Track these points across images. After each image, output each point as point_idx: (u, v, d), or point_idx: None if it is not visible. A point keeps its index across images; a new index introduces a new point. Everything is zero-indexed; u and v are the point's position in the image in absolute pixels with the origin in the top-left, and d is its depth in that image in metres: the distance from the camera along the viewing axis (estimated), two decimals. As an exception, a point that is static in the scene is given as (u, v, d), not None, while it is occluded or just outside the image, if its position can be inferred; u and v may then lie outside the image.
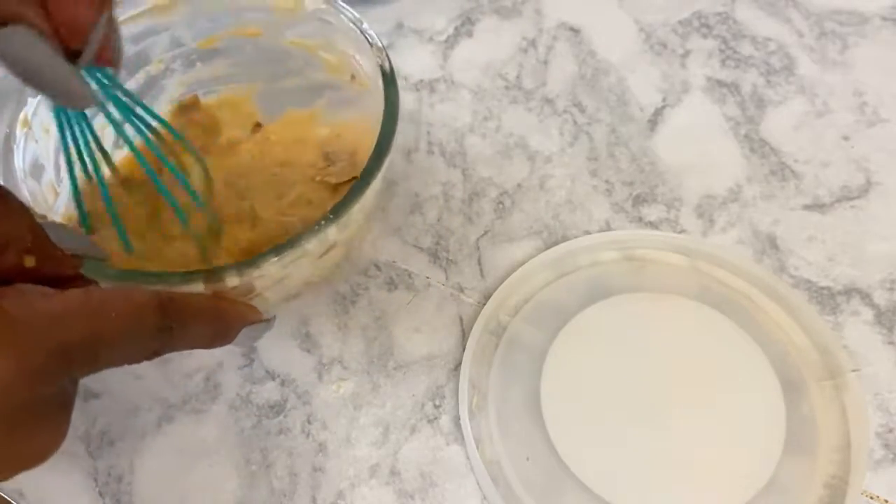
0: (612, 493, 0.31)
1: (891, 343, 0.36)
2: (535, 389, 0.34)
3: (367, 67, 0.35)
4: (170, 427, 0.35)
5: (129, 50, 0.36)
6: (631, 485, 0.31)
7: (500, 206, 0.42)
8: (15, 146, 0.31)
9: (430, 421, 0.34)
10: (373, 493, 0.32)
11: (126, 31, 0.35)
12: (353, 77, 0.37)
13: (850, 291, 0.37)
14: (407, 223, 0.41)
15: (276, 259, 0.27)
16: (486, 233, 0.40)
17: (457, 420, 0.34)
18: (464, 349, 0.36)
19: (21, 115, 0.32)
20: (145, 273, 0.28)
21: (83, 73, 0.26)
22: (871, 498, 0.31)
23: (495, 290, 0.37)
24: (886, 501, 0.31)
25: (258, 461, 0.34)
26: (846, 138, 0.43)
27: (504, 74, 0.48)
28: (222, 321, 0.26)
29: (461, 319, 0.37)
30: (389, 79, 0.33)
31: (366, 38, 0.34)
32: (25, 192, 0.30)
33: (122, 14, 0.35)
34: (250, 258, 0.27)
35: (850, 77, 0.46)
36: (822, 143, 0.43)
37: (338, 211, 0.29)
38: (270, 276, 0.29)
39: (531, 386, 0.34)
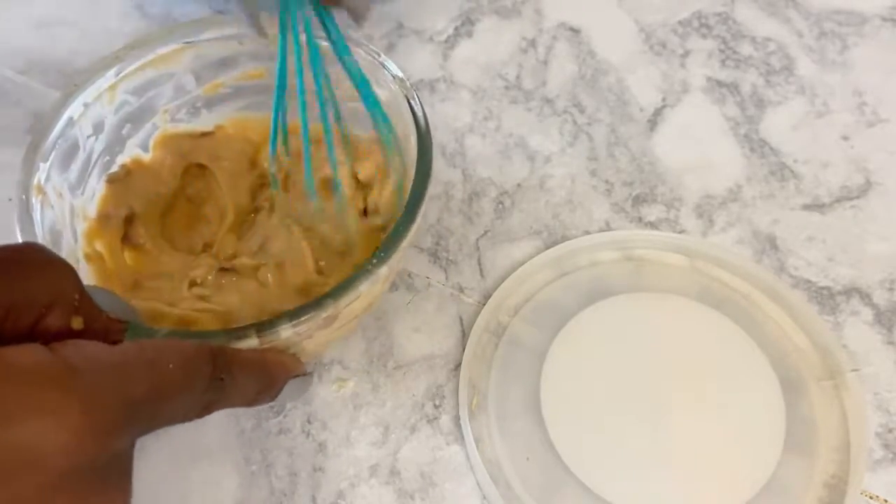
0: (611, 493, 0.31)
1: (891, 343, 0.36)
2: (535, 389, 0.34)
3: (387, 99, 0.34)
4: (170, 427, 0.35)
5: (133, 102, 0.35)
6: (631, 484, 0.31)
7: (500, 206, 0.42)
8: (33, 212, 0.30)
9: (430, 421, 0.34)
10: (373, 493, 0.32)
11: (130, 84, 0.34)
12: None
13: (849, 291, 0.37)
14: (407, 223, 0.41)
15: (332, 305, 0.26)
16: (486, 233, 0.40)
17: (457, 420, 0.34)
18: (464, 349, 0.36)
19: (34, 182, 0.30)
20: (195, 332, 0.27)
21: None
22: (871, 498, 0.31)
23: (495, 290, 0.37)
24: (886, 501, 0.31)
25: (258, 461, 0.34)
26: (846, 138, 0.43)
27: (504, 74, 0.48)
28: (269, 373, 0.25)
29: (461, 319, 0.37)
30: (418, 112, 0.32)
31: (386, 69, 0.33)
32: None
33: (127, 66, 0.34)
34: (300, 307, 0.26)
35: (850, 77, 0.46)
36: (821, 143, 0.43)
37: (387, 250, 0.27)
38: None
39: (531, 386, 0.34)
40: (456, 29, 0.50)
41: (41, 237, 0.29)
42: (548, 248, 0.39)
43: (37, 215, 0.30)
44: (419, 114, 0.32)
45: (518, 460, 0.32)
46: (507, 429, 0.33)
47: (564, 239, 0.40)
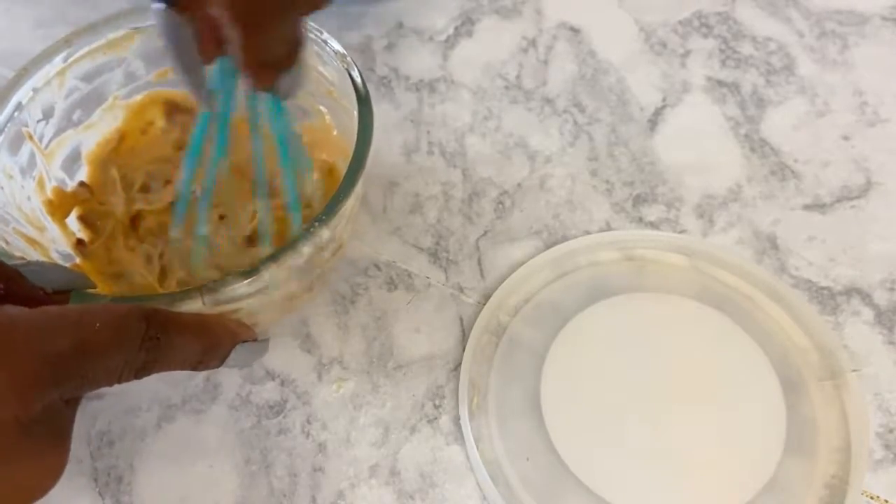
0: (612, 493, 0.31)
1: (891, 343, 0.36)
2: (535, 389, 0.34)
3: (335, 79, 0.34)
4: (170, 427, 0.35)
5: (83, 88, 0.35)
6: (631, 485, 0.31)
7: (500, 206, 0.42)
8: None
9: (430, 421, 0.34)
10: (373, 493, 0.32)
11: (79, 69, 0.35)
12: (329, 94, 0.37)
13: (850, 291, 0.37)
14: (407, 223, 0.41)
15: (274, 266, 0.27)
16: (486, 233, 0.40)
17: (457, 420, 0.34)
18: (464, 349, 0.36)
19: None
20: (136, 297, 0.27)
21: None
22: (872, 498, 0.31)
23: (495, 290, 0.37)
24: (887, 501, 0.31)
25: (258, 461, 0.34)
26: (846, 138, 0.43)
27: (504, 74, 0.48)
28: (211, 335, 0.25)
29: (461, 319, 0.37)
30: (358, 83, 0.32)
31: (328, 46, 0.34)
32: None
33: (76, 51, 0.34)
34: (242, 271, 0.27)
35: (851, 77, 0.46)
36: (822, 143, 0.43)
37: (324, 219, 0.28)
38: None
39: (531, 386, 0.34)
40: (456, 29, 0.50)
41: None
42: (548, 248, 0.39)
43: None
44: (358, 81, 0.32)
45: (518, 460, 0.32)
46: (507, 429, 0.33)
47: (564, 239, 0.40)
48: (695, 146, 0.44)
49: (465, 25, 0.51)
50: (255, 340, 0.27)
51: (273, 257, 0.27)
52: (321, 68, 0.35)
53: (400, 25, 0.51)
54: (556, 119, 0.45)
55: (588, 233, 0.40)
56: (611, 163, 0.43)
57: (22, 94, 0.33)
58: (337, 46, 0.34)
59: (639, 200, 0.41)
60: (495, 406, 0.34)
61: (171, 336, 0.23)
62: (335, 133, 0.37)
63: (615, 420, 0.33)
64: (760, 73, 0.47)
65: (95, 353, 0.20)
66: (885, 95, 0.45)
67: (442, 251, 0.40)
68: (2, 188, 0.32)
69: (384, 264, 0.39)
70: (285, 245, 0.27)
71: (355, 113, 0.31)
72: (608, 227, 0.40)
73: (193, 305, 0.26)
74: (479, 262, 0.39)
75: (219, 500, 0.33)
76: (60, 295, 0.24)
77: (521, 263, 0.38)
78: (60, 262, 0.33)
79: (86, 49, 0.34)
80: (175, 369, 0.23)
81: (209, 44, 0.28)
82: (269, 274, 0.27)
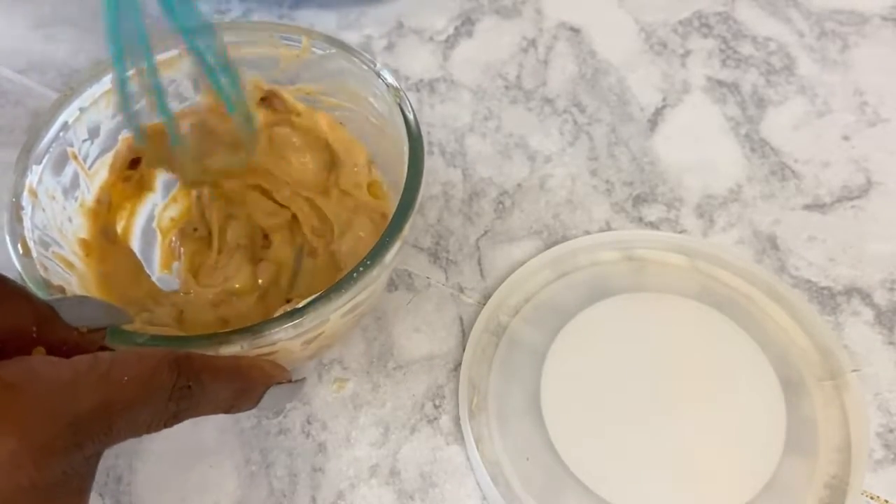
0: (611, 493, 0.31)
1: (891, 343, 0.36)
2: (535, 389, 0.34)
3: (382, 109, 0.33)
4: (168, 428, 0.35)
5: (130, 108, 0.34)
6: (631, 485, 0.31)
7: (500, 206, 0.42)
8: (24, 214, 0.29)
9: (430, 421, 0.34)
10: (373, 493, 0.32)
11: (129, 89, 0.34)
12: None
13: (850, 291, 0.37)
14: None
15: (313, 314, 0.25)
16: (486, 233, 0.40)
17: (457, 420, 0.34)
18: (464, 349, 0.36)
19: (26, 184, 0.30)
20: (175, 338, 0.26)
21: None
22: (872, 498, 0.31)
23: (495, 290, 0.37)
24: (887, 502, 0.31)
25: (258, 461, 0.34)
26: (846, 138, 0.43)
27: (504, 74, 0.48)
28: (245, 380, 0.24)
29: (461, 319, 0.37)
30: (411, 120, 0.31)
31: (381, 79, 0.32)
32: (37, 264, 0.29)
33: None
34: (285, 313, 0.25)
35: (851, 77, 0.46)
36: (822, 143, 0.43)
37: (371, 262, 0.27)
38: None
39: (531, 386, 0.34)
40: (456, 29, 0.50)
41: (31, 239, 0.29)
42: (548, 248, 0.39)
43: (27, 217, 0.30)
44: (410, 118, 0.31)
45: (518, 460, 0.32)
46: (507, 429, 0.33)
47: (565, 239, 0.40)
48: (695, 146, 0.44)
49: (465, 25, 0.51)
50: (289, 381, 0.26)
51: (319, 300, 0.26)
52: (371, 99, 0.34)
53: (400, 25, 0.51)
54: (556, 119, 0.45)
55: (588, 233, 0.40)
56: (611, 163, 0.43)
57: (68, 114, 0.32)
58: (391, 80, 0.32)
59: (639, 200, 0.41)
60: (495, 406, 0.34)
61: (204, 383, 0.22)
62: (378, 173, 0.37)
63: (615, 420, 0.33)
64: (760, 73, 0.47)
65: (123, 409, 0.19)
66: (885, 95, 0.45)
67: (442, 251, 0.40)
68: (43, 210, 0.31)
69: (384, 264, 0.39)
70: (331, 288, 0.26)
71: (405, 149, 0.30)
72: (608, 227, 0.40)
73: (232, 349, 0.25)
74: (479, 262, 0.39)
75: (219, 501, 0.33)
76: (96, 333, 0.23)
77: (521, 263, 0.38)
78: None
79: (135, 69, 0.33)
80: (206, 414, 0.23)
81: None
82: (312, 317, 0.26)
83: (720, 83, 0.46)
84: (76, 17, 0.51)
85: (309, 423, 0.34)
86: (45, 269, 0.29)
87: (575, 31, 0.50)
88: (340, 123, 0.37)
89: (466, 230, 0.40)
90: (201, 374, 0.22)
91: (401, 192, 0.29)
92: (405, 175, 0.29)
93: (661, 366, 0.34)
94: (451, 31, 0.50)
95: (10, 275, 0.22)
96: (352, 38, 0.50)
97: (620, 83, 0.47)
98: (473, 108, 0.46)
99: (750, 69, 0.47)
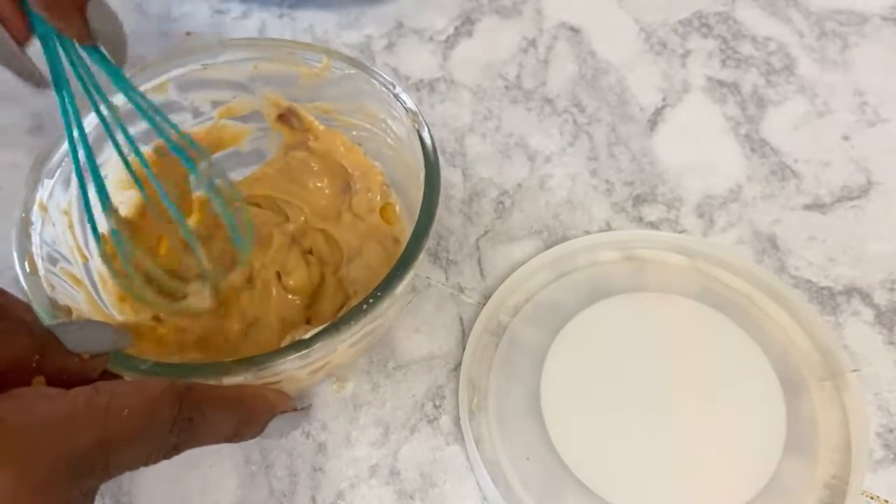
0: (611, 493, 0.31)
1: (891, 343, 0.36)
2: (535, 389, 0.34)
3: (399, 132, 0.33)
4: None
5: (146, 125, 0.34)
6: (631, 485, 0.31)
7: (500, 206, 0.42)
8: (33, 230, 0.29)
9: (430, 421, 0.34)
10: (373, 493, 0.32)
11: (144, 105, 0.33)
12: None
13: (850, 291, 0.37)
14: (407, 223, 0.41)
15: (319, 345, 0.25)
16: (486, 233, 0.40)
17: (457, 420, 0.34)
18: (464, 349, 0.36)
19: (37, 198, 0.30)
20: (178, 365, 0.25)
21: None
22: (872, 498, 0.31)
23: (495, 290, 0.37)
24: (887, 502, 0.31)
25: (258, 461, 0.34)
26: (846, 138, 0.43)
27: (504, 74, 0.48)
28: (248, 409, 0.24)
29: (461, 319, 0.37)
30: (428, 146, 0.30)
31: (399, 102, 0.32)
32: (44, 282, 0.28)
33: (144, 84, 0.33)
34: (292, 344, 0.25)
35: (850, 77, 0.46)
36: (822, 143, 0.43)
37: (385, 288, 0.26)
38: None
39: (531, 386, 0.34)
40: (456, 28, 0.50)
41: (38, 255, 0.29)
42: (548, 248, 0.39)
43: (36, 233, 0.29)
44: (428, 143, 0.30)
45: (518, 460, 0.32)
46: (507, 429, 0.33)
47: (564, 239, 0.40)
48: (695, 146, 0.44)
49: (465, 25, 0.51)
50: (294, 410, 0.26)
51: (326, 331, 0.25)
52: (389, 121, 0.33)
53: (400, 25, 0.51)
54: (556, 119, 0.45)
55: (588, 233, 0.40)
56: (611, 163, 0.43)
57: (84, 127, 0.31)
58: (410, 104, 0.32)
59: (639, 200, 0.41)
60: (495, 406, 0.34)
61: (206, 415, 0.21)
62: (393, 195, 0.36)
63: (615, 420, 0.33)
64: (760, 73, 0.47)
65: (121, 444, 0.19)
66: (885, 95, 0.45)
67: (442, 251, 0.40)
68: (54, 224, 0.30)
69: (384, 264, 0.39)
70: (339, 319, 0.26)
71: (421, 176, 0.30)
72: (608, 227, 0.40)
73: (236, 379, 0.25)
74: (479, 262, 0.39)
75: (219, 501, 0.33)
76: (98, 358, 0.22)
77: (521, 263, 0.38)
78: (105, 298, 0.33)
79: (152, 84, 0.34)
80: (207, 444, 0.22)
81: (13, 19, 0.26)
82: (319, 349, 0.25)
83: (720, 83, 0.46)
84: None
85: (309, 423, 0.34)
86: (52, 287, 0.28)
87: (575, 31, 0.50)
88: (358, 144, 0.36)
89: (466, 230, 0.40)
90: (203, 406, 0.21)
91: (414, 216, 0.28)
92: (420, 200, 0.29)
93: (661, 366, 0.34)
94: (451, 31, 0.50)
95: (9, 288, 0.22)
96: (352, 37, 0.50)
97: (620, 83, 0.47)
98: (473, 108, 0.46)
99: (750, 69, 0.47)
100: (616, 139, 0.44)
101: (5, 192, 0.40)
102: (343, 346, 0.27)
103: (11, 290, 0.23)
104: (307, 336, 0.25)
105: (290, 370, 0.26)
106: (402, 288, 0.27)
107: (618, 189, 0.42)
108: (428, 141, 0.31)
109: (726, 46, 0.48)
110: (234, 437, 0.24)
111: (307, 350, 0.25)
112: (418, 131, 0.31)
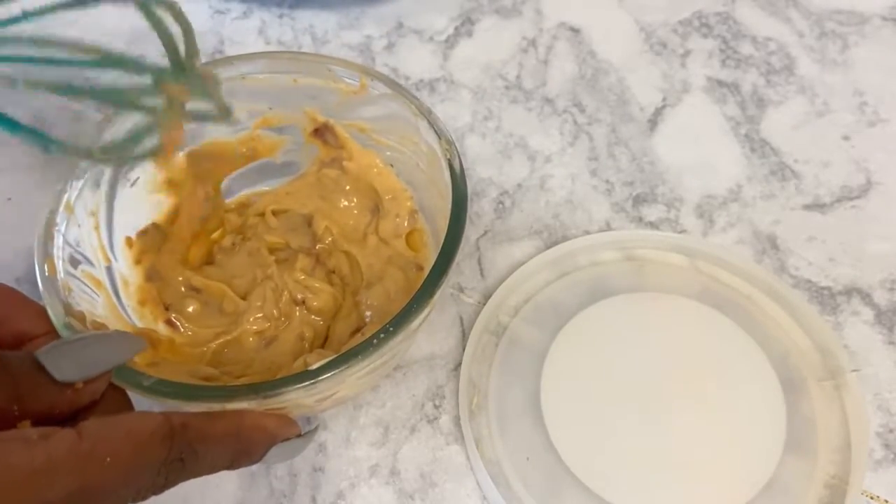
0: (612, 493, 0.31)
1: (891, 343, 0.36)
2: (535, 389, 0.34)
3: (431, 158, 0.32)
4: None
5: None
6: (631, 485, 0.31)
7: (500, 206, 0.42)
8: (56, 232, 0.29)
9: (430, 421, 0.34)
10: (372, 493, 0.32)
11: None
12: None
13: (850, 291, 0.37)
14: (407, 223, 0.41)
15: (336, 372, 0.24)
16: (486, 233, 0.40)
17: (457, 420, 0.34)
18: (464, 349, 0.36)
19: (64, 200, 0.29)
20: (183, 386, 0.24)
21: None
22: (872, 498, 0.31)
23: (495, 290, 0.37)
24: (887, 501, 0.31)
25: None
26: (846, 138, 0.43)
27: (504, 74, 0.48)
28: (245, 441, 0.23)
29: (461, 319, 0.37)
30: (458, 178, 0.30)
31: (434, 129, 0.31)
32: (61, 285, 0.28)
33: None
34: (302, 372, 0.24)
35: (851, 77, 0.46)
36: (822, 143, 0.43)
37: (399, 322, 0.25)
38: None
39: (531, 386, 0.34)
40: (456, 29, 0.50)
41: (58, 258, 0.28)
42: (548, 248, 0.39)
43: (59, 234, 0.29)
44: (458, 173, 0.30)
45: (518, 460, 0.32)
46: (507, 429, 0.33)
47: (565, 239, 0.40)
48: (695, 146, 0.44)
49: (465, 25, 0.51)
50: (298, 436, 0.25)
51: (334, 363, 0.24)
52: (422, 146, 0.33)
53: (400, 25, 0.51)
54: (556, 119, 0.45)
55: (588, 233, 0.40)
56: (611, 163, 0.43)
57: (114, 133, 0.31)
58: (445, 132, 0.31)
59: (639, 200, 0.41)
60: (495, 406, 0.34)
61: (198, 454, 0.21)
62: (422, 221, 0.36)
63: (615, 420, 0.33)
64: (760, 73, 0.47)
65: (103, 492, 0.18)
66: (885, 95, 0.45)
67: (442, 251, 0.40)
68: (79, 225, 0.30)
69: (384, 264, 0.39)
70: (349, 352, 0.25)
71: (448, 205, 0.29)
72: (608, 227, 0.40)
73: (239, 405, 0.24)
74: (479, 262, 0.39)
75: (219, 501, 0.33)
76: (98, 381, 0.21)
77: (521, 263, 0.38)
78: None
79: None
80: (200, 477, 0.22)
81: None
82: (327, 380, 0.24)
83: (720, 83, 0.46)
84: (75, 16, 0.51)
85: (309, 422, 0.34)
86: (70, 290, 0.28)
87: (575, 31, 0.50)
88: (390, 165, 0.36)
89: (467, 230, 0.40)
90: (196, 445, 0.21)
91: (440, 244, 0.28)
92: (445, 229, 0.28)
93: (661, 366, 0.34)
94: (451, 31, 0.50)
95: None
96: (352, 38, 0.50)
97: (620, 83, 0.47)
98: (473, 107, 0.46)
99: (750, 69, 0.47)
100: (616, 139, 0.44)
101: (5, 193, 0.40)
102: (351, 378, 0.26)
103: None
104: (314, 367, 0.24)
105: (296, 399, 0.25)
106: (418, 322, 0.26)
107: (618, 189, 0.42)
108: (458, 171, 0.30)
109: (726, 46, 0.48)
110: (230, 468, 0.23)
111: (313, 382, 0.24)
112: (449, 161, 0.30)
